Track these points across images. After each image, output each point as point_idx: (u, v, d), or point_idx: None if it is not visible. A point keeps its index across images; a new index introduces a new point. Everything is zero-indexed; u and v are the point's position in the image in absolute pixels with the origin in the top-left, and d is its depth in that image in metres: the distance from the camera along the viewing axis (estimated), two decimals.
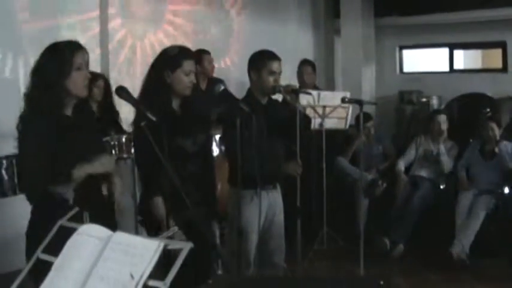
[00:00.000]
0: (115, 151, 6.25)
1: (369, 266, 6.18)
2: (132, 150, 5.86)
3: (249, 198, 5.03)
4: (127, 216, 6.36)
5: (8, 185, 5.53)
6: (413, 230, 7.80)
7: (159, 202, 4.22)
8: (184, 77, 4.36)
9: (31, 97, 3.60)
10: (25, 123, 3.56)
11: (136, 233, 5.82)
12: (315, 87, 8.84)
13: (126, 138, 6.27)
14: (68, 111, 3.70)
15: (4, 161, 5.50)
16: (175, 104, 4.45)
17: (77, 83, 3.62)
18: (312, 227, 7.71)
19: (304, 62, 8.97)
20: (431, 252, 7.55)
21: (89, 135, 3.79)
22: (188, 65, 4.38)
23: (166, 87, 4.36)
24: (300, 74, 8.91)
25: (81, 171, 3.54)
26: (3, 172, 5.51)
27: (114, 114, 6.82)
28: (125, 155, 6.32)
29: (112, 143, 6.23)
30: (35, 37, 6.58)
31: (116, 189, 3.84)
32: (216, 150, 6.72)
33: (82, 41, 3.85)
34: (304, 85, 8.35)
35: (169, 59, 4.40)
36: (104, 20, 7.70)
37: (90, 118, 3.93)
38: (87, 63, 3.69)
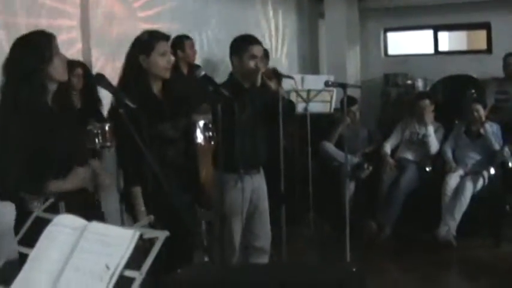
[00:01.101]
0: (98, 140, 6.16)
1: (356, 250, 6.16)
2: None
3: (232, 183, 5.01)
4: (111, 201, 6.35)
5: None
6: (400, 212, 7.80)
7: (137, 191, 4.17)
8: (160, 59, 4.29)
9: (7, 91, 3.51)
10: (1, 119, 3.49)
11: (122, 220, 5.79)
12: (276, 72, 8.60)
13: (109, 127, 6.20)
14: (49, 100, 3.63)
15: None
16: (155, 88, 4.37)
17: (58, 68, 3.55)
18: (298, 212, 7.68)
19: None
20: (418, 234, 7.56)
21: (70, 126, 3.72)
22: (161, 45, 4.31)
23: (143, 72, 4.30)
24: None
25: (56, 187, 3.47)
26: None
27: (96, 102, 6.74)
28: (108, 143, 6.22)
29: (95, 131, 6.14)
30: None
31: (102, 186, 3.80)
32: (200, 137, 6.68)
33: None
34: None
35: (142, 44, 4.33)
36: (85, 8, 7.60)
37: (70, 107, 3.86)
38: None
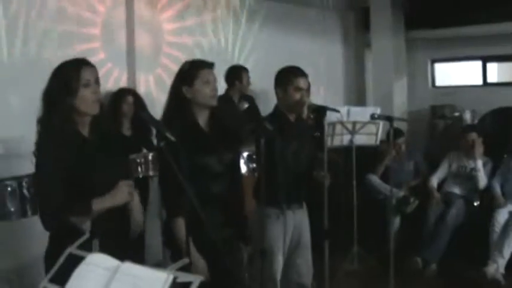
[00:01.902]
0: (141, 169, 6.12)
1: (400, 286, 6.03)
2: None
3: (274, 217, 4.93)
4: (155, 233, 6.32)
5: (29, 205, 5.46)
6: (447, 248, 7.62)
7: (180, 223, 4.06)
8: (204, 87, 4.21)
9: (42, 120, 3.50)
10: (39, 148, 3.46)
11: (163, 254, 5.73)
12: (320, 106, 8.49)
13: (153, 156, 6.15)
14: (84, 131, 3.58)
15: (25, 180, 5.44)
16: (201, 119, 4.28)
17: (85, 100, 3.49)
18: (342, 246, 7.57)
19: None
20: (464, 271, 7.36)
21: (109, 154, 3.67)
22: (205, 73, 4.22)
23: (187, 103, 4.22)
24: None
25: (100, 204, 3.42)
26: (25, 191, 5.44)
27: (146, 130, 6.72)
28: (151, 173, 6.17)
29: (138, 160, 6.10)
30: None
31: (134, 215, 3.73)
32: (244, 168, 6.61)
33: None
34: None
35: (184, 74, 4.26)
36: (130, 35, 7.64)
37: (108, 136, 3.80)
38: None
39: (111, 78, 7.35)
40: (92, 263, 2.28)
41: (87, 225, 3.36)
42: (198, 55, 7.69)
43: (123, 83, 7.45)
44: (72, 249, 2.48)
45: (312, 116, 5.01)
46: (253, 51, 9.53)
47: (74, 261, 2.40)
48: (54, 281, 2.42)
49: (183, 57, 6.00)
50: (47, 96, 3.50)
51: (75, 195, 3.38)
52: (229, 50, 9.09)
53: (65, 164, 3.39)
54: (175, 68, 4.43)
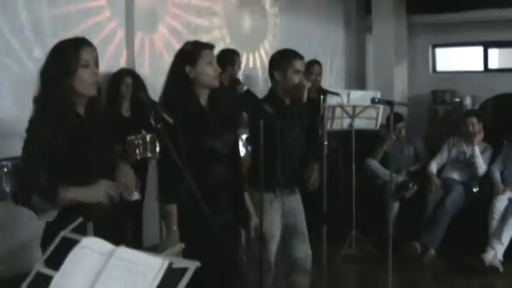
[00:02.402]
0: (139, 150, 6.10)
1: (399, 271, 6.01)
2: (157, 150, 5.73)
3: (268, 202, 4.88)
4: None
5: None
6: (445, 234, 7.60)
7: (172, 209, 4.04)
8: (208, 68, 4.17)
9: (39, 99, 3.45)
10: (31, 124, 3.41)
11: (160, 236, 5.70)
12: (321, 89, 8.45)
13: (150, 138, 6.12)
14: (81, 111, 3.54)
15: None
16: (203, 99, 4.25)
17: (83, 81, 3.43)
18: (340, 231, 7.55)
19: (314, 62, 8.60)
20: (463, 257, 7.36)
21: (105, 134, 3.63)
22: (207, 54, 4.19)
23: (190, 83, 4.18)
24: (314, 75, 8.53)
25: (72, 194, 3.32)
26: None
27: (146, 111, 6.67)
28: (149, 154, 6.17)
29: (136, 142, 6.08)
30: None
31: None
32: (242, 151, 6.59)
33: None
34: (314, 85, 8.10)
35: (187, 54, 4.22)
36: (129, 19, 7.59)
37: (105, 117, 3.75)
38: (95, 60, 3.52)
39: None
40: (86, 247, 2.24)
41: (47, 213, 3.30)
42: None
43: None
44: (66, 232, 2.44)
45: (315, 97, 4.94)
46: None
47: (68, 245, 2.36)
48: (49, 264, 2.39)
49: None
50: (45, 76, 3.45)
51: (63, 175, 3.33)
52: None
53: (60, 143, 3.34)
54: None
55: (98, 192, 3.40)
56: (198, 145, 4.01)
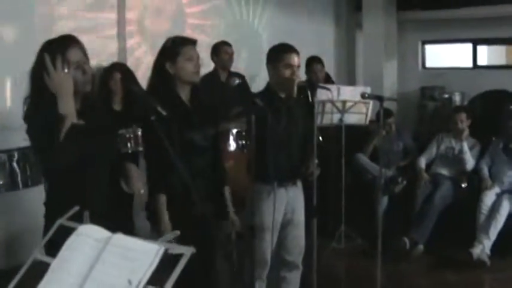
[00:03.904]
0: (130, 144, 6.12)
1: (387, 266, 6.06)
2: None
3: (265, 194, 4.93)
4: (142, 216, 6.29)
5: (20, 178, 5.46)
6: (434, 229, 7.65)
7: (162, 199, 4.09)
8: (187, 64, 4.22)
9: (30, 98, 3.48)
10: (30, 121, 3.42)
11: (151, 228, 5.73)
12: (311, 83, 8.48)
13: (142, 131, 6.15)
14: (76, 105, 3.55)
15: (16, 153, 5.43)
16: (183, 95, 4.31)
17: (75, 81, 3.44)
18: (330, 225, 7.59)
19: (313, 59, 8.67)
20: (451, 252, 7.40)
21: (97, 127, 3.65)
22: (187, 50, 4.24)
23: (171, 79, 4.24)
24: (308, 72, 8.60)
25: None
26: (15, 165, 5.44)
27: (137, 105, 6.69)
28: (140, 148, 6.19)
29: (127, 135, 6.11)
30: None
31: (134, 184, 3.72)
32: (233, 145, 6.62)
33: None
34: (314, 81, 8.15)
35: (167, 50, 4.28)
36: (121, 37, 7.67)
37: (96, 111, 3.77)
38: (84, 58, 3.51)
39: None
40: (83, 234, 2.28)
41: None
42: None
43: None
44: (62, 220, 2.48)
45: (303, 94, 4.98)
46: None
47: (65, 233, 2.40)
48: (45, 252, 2.42)
49: None
50: (34, 75, 3.48)
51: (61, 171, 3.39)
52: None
53: (46, 138, 3.36)
54: None
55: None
56: (181, 138, 4.07)
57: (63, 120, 3.30)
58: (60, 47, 3.46)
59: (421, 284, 6.67)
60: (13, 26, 6.61)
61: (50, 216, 3.45)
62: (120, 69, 6.87)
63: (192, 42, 4.31)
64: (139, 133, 6.07)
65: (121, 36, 7.75)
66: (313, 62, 8.46)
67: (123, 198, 3.90)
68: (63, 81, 3.37)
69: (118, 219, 3.36)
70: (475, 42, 11.79)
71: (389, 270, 6.22)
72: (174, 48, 4.24)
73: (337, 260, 7.24)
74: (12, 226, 6.26)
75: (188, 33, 8.13)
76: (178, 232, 2.19)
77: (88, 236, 2.26)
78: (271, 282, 5.18)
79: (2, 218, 6.19)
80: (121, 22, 7.71)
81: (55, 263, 2.28)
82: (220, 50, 8.01)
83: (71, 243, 2.28)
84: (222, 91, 7.46)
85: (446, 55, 12.40)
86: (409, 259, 7.39)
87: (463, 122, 8.10)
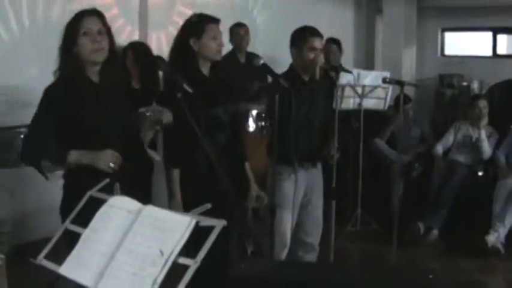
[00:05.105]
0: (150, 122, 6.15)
1: (402, 250, 6.09)
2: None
3: (285, 175, 4.97)
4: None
5: None
6: (449, 215, 7.66)
7: (176, 174, 4.14)
8: (211, 42, 4.25)
9: (57, 69, 3.63)
10: (44, 93, 3.57)
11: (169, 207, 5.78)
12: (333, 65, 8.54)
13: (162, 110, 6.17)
14: (94, 77, 3.66)
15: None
16: (205, 70, 4.34)
17: (84, 48, 3.56)
18: (346, 208, 7.62)
19: (330, 41, 8.69)
20: (466, 239, 7.41)
21: (116, 101, 3.71)
22: (212, 28, 4.27)
23: (194, 55, 4.26)
24: (325, 53, 8.61)
25: (78, 157, 3.47)
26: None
27: (155, 84, 6.71)
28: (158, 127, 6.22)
29: (148, 114, 6.13)
30: None
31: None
32: (252, 126, 6.65)
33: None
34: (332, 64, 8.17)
35: (193, 26, 4.29)
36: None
37: (117, 85, 3.83)
38: (100, 29, 3.60)
39: (124, 34, 7.41)
40: (115, 205, 2.32)
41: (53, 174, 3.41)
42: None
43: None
44: (93, 192, 2.53)
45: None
46: (265, 13, 9.59)
47: (94, 205, 2.44)
48: (75, 223, 2.47)
49: None
50: (59, 49, 3.61)
51: (59, 138, 3.48)
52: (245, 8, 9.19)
53: (71, 109, 3.49)
54: None
55: (103, 160, 3.49)
56: (203, 114, 4.10)
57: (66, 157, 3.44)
58: (78, 17, 3.60)
59: (434, 269, 6.68)
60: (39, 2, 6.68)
61: (70, 188, 3.56)
62: (135, 49, 6.88)
63: (217, 20, 4.34)
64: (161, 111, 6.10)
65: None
66: (328, 42, 8.45)
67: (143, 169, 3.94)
68: (101, 158, 3.50)
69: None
70: (495, 31, 11.73)
71: (403, 254, 6.23)
72: (200, 25, 4.26)
73: (352, 243, 7.28)
74: (26, 201, 6.32)
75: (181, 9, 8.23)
76: (209, 205, 2.23)
77: (120, 208, 2.30)
78: None
79: (17, 192, 6.26)
80: None
81: (86, 233, 2.33)
82: (233, 32, 8.16)
83: (103, 214, 2.33)
84: (240, 71, 7.52)
85: (466, 43, 12.35)
86: (423, 244, 7.40)
87: (483, 109, 8.08)
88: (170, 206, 4.12)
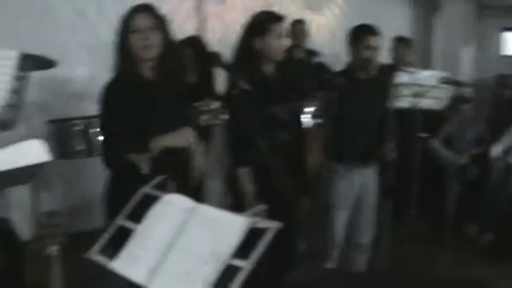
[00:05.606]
0: (204, 117, 6.17)
1: (454, 252, 6.01)
2: (222, 117, 5.80)
3: (341, 173, 4.94)
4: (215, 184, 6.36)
5: (96, 145, 5.54)
6: (505, 220, 7.53)
7: (246, 172, 4.10)
8: (275, 41, 4.22)
9: (114, 65, 3.68)
10: (103, 89, 3.60)
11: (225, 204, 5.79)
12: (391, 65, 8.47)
13: (216, 105, 6.18)
14: (147, 74, 3.69)
15: (93, 121, 5.52)
16: (268, 70, 4.31)
17: (134, 45, 3.60)
18: (399, 209, 7.54)
19: (400, 39, 8.62)
20: None
21: (171, 96, 3.72)
22: (277, 28, 4.24)
23: (257, 54, 4.23)
24: (394, 51, 8.58)
25: (159, 142, 3.49)
26: (91, 132, 5.52)
27: (210, 80, 6.73)
28: (217, 121, 6.23)
29: (202, 108, 6.15)
30: None
31: (196, 160, 3.76)
32: (310, 122, 6.62)
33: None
34: (399, 63, 8.10)
35: (258, 25, 4.26)
36: None
37: (173, 80, 3.84)
38: (148, 26, 3.62)
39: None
40: (169, 203, 2.31)
41: (145, 165, 3.41)
42: None
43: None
44: (147, 188, 2.52)
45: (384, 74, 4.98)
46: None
47: (146, 201, 2.44)
48: (128, 218, 2.47)
49: None
50: (114, 44, 3.66)
51: (135, 134, 3.48)
52: None
53: (126, 103, 3.53)
54: None
55: (184, 138, 3.59)
56: (263, 112, 4.08)
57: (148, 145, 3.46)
58: (128, 13, 3.64)
59: (487, 273, 6.58)
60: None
61: (115, 182, 3.63)
62: (192, 44, 6.90)
63: (281, 19, 4.31)
64: (215, 107, 6.11)
65: None
66: (399, 43, 8.38)
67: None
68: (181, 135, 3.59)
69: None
70: None
71: (456, 257, 6.15)
72: (265, 24, 4.23)
73: (405, 245, 7.20)
74: (82, 192, 6.38)
75: None
76: (263, 206, 2.20)
77: (174, 205, 2.29)
78: (340, 262, 5.20)
79: (76, 183, 6.32)
80: None
81: (139, 230, 2.32)
82: (295, 28, 8.10)
83: (157, 211, 2.32)
84: (296, 68, 7.50)
85: None
86: (477, 247, 7.30)
87: None
88: (240, 205, 4.09)
